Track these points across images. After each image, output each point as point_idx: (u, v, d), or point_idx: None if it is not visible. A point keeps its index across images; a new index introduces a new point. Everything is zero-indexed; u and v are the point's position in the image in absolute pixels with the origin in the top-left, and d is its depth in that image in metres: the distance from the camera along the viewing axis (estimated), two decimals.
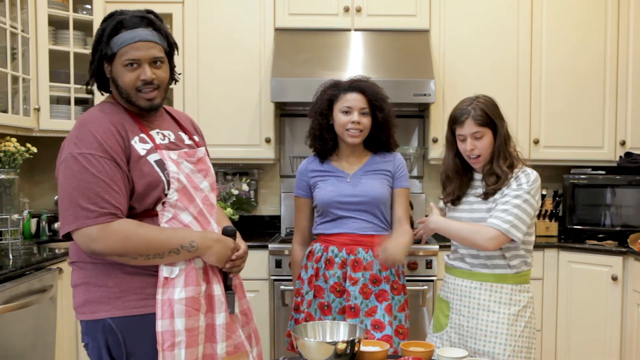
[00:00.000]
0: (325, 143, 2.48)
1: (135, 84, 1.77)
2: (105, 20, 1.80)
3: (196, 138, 2.00)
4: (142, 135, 1.80)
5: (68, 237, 1.72)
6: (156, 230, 1.74)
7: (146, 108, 1.82)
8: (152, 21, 1.80)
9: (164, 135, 1.87)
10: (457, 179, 2.28)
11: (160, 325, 1.72)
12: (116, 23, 1.75)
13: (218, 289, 1.84)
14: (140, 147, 1.77)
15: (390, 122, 2.48)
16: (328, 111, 2.44)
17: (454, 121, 2.20)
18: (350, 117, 2.39)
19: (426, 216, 2.43)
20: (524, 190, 2.11)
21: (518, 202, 2.09)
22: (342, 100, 2.41)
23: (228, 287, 1.89)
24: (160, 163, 1.78)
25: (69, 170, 1.69)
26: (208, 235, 1.82)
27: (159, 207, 1.78)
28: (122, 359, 1.76)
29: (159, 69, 1.80)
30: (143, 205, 1.76)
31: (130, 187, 1.74)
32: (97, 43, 1.79)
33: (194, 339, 1.76)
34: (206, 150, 2.01)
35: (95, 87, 1.91)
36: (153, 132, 1.84)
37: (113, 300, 1.74)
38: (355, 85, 2.43)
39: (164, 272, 1.75)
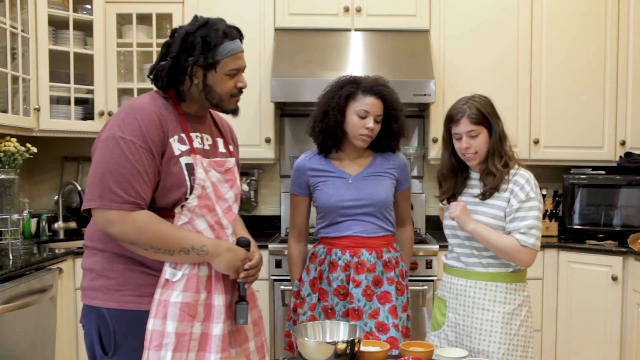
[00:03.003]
0: (336, 140, 2.42)
1: (232, 90, 1.89)
2: (200, 27, 1.83)
3: (231, 147, 2.06)
4: (182, 135, 1.84)
5: (88, 212, 1.77)
6: (172, 227, 1.78)
7: (234, 110, 1.95)
8: (242, 34, 1.91)
9: (202, 140, 1.91)
10: (452, 178, 2.29)
11: (152, 324, 1.75)
12: (222, 33, 1.83)
13: (219, 300, 1.84)
14: (177, 146, 1.81)
15: (402, 132, 2.45)
16: (345, 108, 2.36)
17: (450, 120, 2.21)
18: (365, 122, 2.33)
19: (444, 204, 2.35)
20: (534, 200, 2.13)
21: (536, 213, 2.12)
22: (360, 101, 2.34)
23: (242, 298, 1.90)
24: (190, 167, 1.82)
25: (107, 150, 1.73)
26: (220, 243, 1.84)
27: (177, 210, 1.82)
28: (110, 349, 1.80)
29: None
30: (163, 201, 1.80)
31: (157, 180, 1.78)
32: (201, 49, 1.80)
33: (184, 344, 1.77)
34: (237, 161, 2.08)
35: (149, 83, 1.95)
36: (193, 135, 1.88)
37: (111, 292, 1.79)
38: (377, 90, 2.35)
39: (166, 274, 1.78)
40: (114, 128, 1.75)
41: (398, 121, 2.41)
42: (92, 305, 1.82)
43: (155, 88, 1.92)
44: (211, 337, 1.82)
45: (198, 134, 1.91)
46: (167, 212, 1.81)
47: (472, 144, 2.16)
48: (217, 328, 1.82)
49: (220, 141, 2.01)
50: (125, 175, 1.70)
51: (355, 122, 2.34)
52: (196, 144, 1.87)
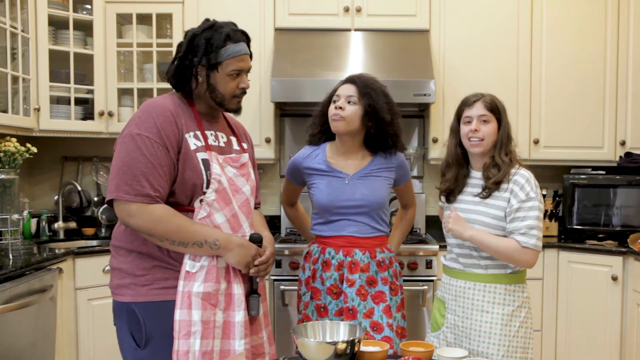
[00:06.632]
0: (323, 130, 2.47)
1: (235, 91, 1.97)
2: (206, 30, 1.94)
3: (245, 145, 2.15)
4: (197, 132, 1.94)
5: (110, 204, 1.89)
6: (187, 221, 1.87)
7: (236, 110, 2.03)
8: (248, 37, 2.01)
9: (217, 137, 2.01)
10: (455, 167, 2.29)
11: (179, 315, 1.85)
12: (225, 36, 1.93)
13: (239, 289, 1.95)
14: (192, 142, 1.91)
15: (385, 119, 2.36)
16: (330, 100, 2.44)
17: (464, 103, 2.25)
18: (337, 105, 2.36)
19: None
20: (535, 200, 2.13)
21: (536, 213, 2.12)
22: (335, 92, 2.42)
23: (254, 291, 1.99)
24: (206, 162, 1.91)
25: (124, 146, 1.85)
26: (233, 238, 1.93)
27: (196, 204, 1.92)
28: (142, 341, 1.88)
29: (248, 78, 2.03)
30: (182, 194, 1.90)
31: (175, 175, 1.88)
32: (204, 50, 1.91)
33: (209, 332, 1.87)
34: (253, 157, 2.18)
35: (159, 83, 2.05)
36: (208, 133, 1.98)
37: (138, 287, 1.90)
38: (349, 77, 2.42)
39: (187, 266, 1.89)
40: (131, 126, 1.87)
41: (371, 98, 2.34)
42: (121, 302, 1.92)
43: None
44: (234, 324, 1.92)
45: (213, 131, 2.01)
46: (186, 207, 1.91)
47: (481, 128, 2.18)
48: (239, 315, 1.93)
49: (234, 139, 2.11)
50: (140, 168, 1.81)
51: (330, 108, 2.40)
52: (211, 141, 1.97)
